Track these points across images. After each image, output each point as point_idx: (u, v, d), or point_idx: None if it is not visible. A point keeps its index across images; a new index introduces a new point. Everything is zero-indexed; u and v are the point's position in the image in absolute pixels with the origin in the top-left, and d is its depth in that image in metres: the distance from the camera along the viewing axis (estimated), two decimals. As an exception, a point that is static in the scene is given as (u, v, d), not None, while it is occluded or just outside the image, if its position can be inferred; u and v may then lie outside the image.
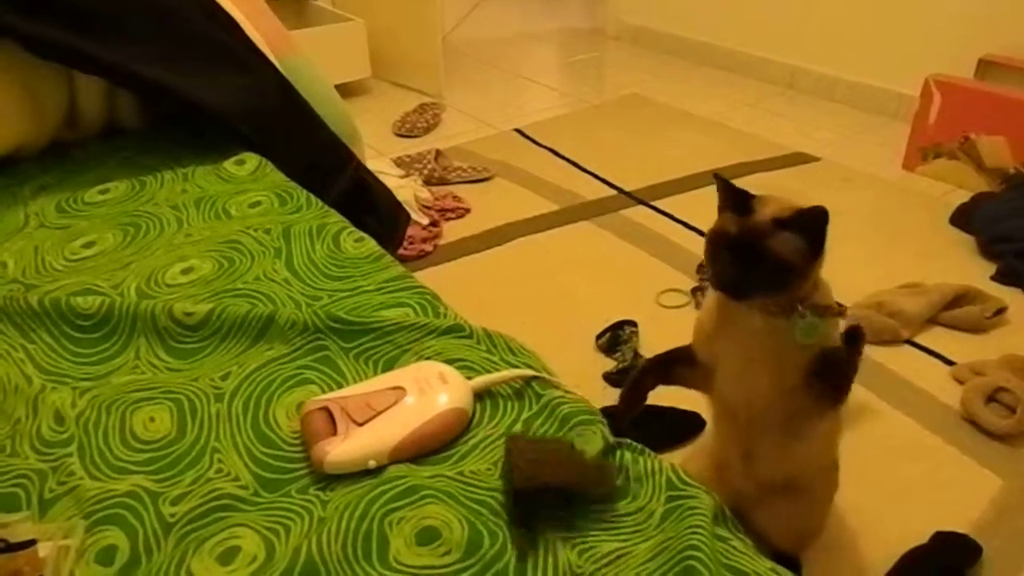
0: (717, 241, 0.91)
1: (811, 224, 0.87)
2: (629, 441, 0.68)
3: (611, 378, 1.57)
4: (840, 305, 0.96)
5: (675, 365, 1.08)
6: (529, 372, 0.74)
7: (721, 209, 0.93)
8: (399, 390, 0.70)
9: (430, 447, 0.68)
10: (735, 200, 0.91)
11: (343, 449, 0.66)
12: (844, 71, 2.92)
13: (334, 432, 0.67)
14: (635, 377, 1.08)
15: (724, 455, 1.11)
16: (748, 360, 0.96)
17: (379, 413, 0.68)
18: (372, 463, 0.66)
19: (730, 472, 1.08)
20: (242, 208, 1.07)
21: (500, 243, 2.05)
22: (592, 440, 0.68)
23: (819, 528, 1.17)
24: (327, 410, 0.69)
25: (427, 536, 0.60)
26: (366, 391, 0.71)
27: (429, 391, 0.70)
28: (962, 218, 2.08)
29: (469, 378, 0.73)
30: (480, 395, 0.73)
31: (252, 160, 1.19)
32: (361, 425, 0.67)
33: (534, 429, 0.70)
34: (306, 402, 0.72)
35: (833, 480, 1.15)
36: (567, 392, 0.73)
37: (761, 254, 0.86)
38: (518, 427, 0.71)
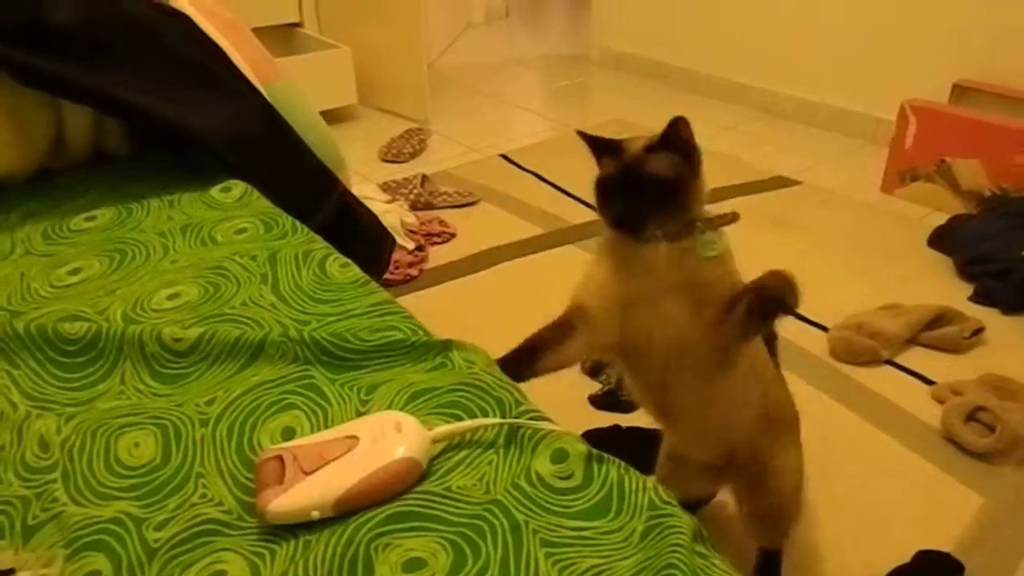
0: (602, 185, 0.95)
1: (677, 137, 0.91)
2: (613, 458, 0.69)
3: (596, 400, 1.58)
4: (733, 214, 0.97)
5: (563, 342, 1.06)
6: (495, 421, 0.73)
7: (597, 161, 0.98)
8: (353, 439, 0.68)
9: (377, 498, 0.65)
10: (605, 147, 0.96)
11: (285, 499, 0.64)
12: (823, 96, 2.98)
13: (283, 481, 0.65)
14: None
15: (668, 443, 1.12)
16: (662, 294, 0.94)
17: (328, 462, 0.66)
18: (315, 514, 0.64)
19: (678, 449, 1.08)
20: (228, 235, 1.08)
21: (486, 267, 2.07)
22: (575, 445, 0.69)
23: (796, 510, 1.14)
24: (280, 458, 0.67)
25: (412, 565, 0.60)
26: (321, 440, 0.69)
27: (382, 440, 0.68)
28: (940, 240, 2.12)
29: (432, 427, 0.71)
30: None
31: (238, 187, 1.20)
32: (308, 474, 0.65)
33: (510, 457, 0.70)
34: (264, 450, 0.71)
35: (795, 451, 1.12)
36: (545, 423, 0.72)
37: (644, 181, 0.90)
38: (496, 457, 0.70)
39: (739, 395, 1.04)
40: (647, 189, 0.90)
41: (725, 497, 1.35)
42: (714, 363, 0.97)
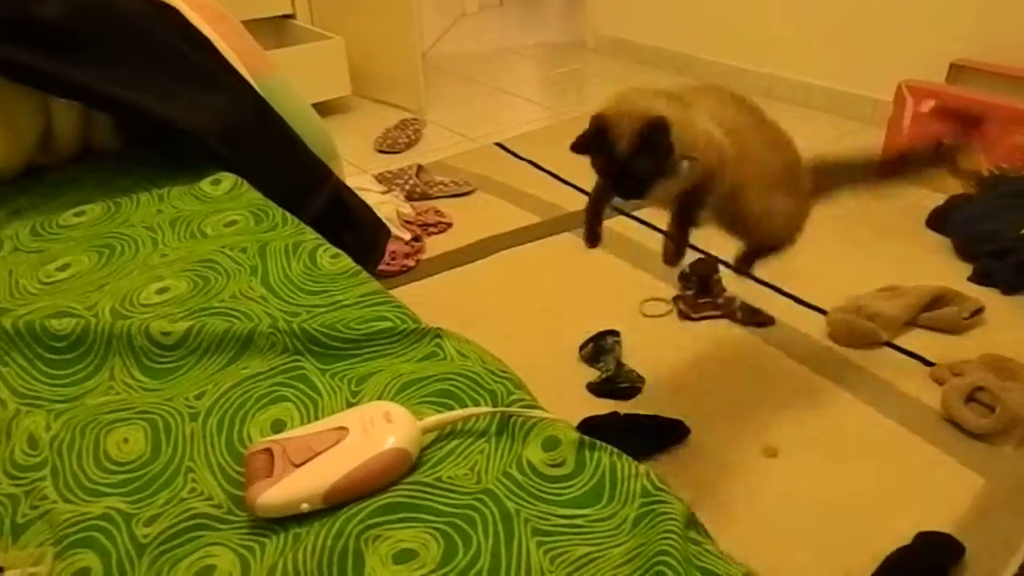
0: (603, 182, 1.24)
1: (653, 144, 1.12)
2: (606, 445, 0.68)
3: (595, 388, 1.57)
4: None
5: None
6: (486, 410, 0.72)
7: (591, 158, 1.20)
8: (342, 430, 0.67)
9: (367, 489, 0.64)
10: (594, 147, 1.17)
11: (274, 492, 0.63)
12: (819, 78, 2.96)
13: (272, 474, 0.64)
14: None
15: None
16: None
17: (317, 454, 0.65)
18: (305, 506, 0.63)
19: None
20: (218, 228, 1.07)
21: (482, 256, 2.06)
22: (567, 433, 0.68)
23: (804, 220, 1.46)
24: (269, 451, 0.66)
25: (403, 556, 0.60)
26: (310, 432, 0.68)
27: (372, 431, 0.67)
28: (938, 221, 2.11)
29: (422, 417, 0.71)
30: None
31: (228, 180, 1.19)
32: (298, 466, 0.64)
33: (502, 445, 0.70)
34: (253, 443, 0.70)
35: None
36: (536, 411, 0.72)
37: (633, 176, 1.15)
38: (487, 446, 0.70)
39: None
40: (640, 180, 1.16)
41: (722, 491, 1.35)
42: None
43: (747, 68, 3.17)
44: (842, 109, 2.90)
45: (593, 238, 1.35)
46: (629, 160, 1.12)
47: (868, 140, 2.65)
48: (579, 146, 1.17)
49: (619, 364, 1.62)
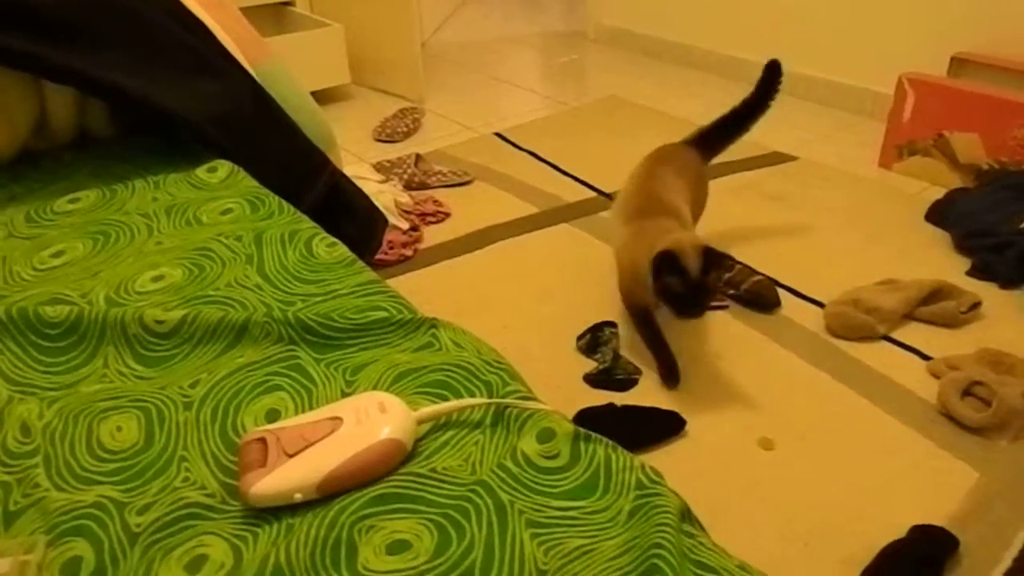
0: (674, 297, 1.43)
1: (718, 263, 1.42)
2: (601, 437, 0.68)
3: (591, 379, 1.57)
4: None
5: None
6: (481, 401, 0.72)
7: (657, 276, 1.43)
8: (336, 420, 0.67)
9: (361, 480, 0.64)
10: (669, 270, 1.41)
11: (267, 482, 0.63)
12: (820, 70, 2.94)
13: (265, 463, 0.64)
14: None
15: None
16: None
17: (311, 444, 0.65)
18: (298, 496, 0.63)
19: None
20: (213, 215, 1.06)
21: (481, 246, 2.05)
22: (562, 424, 0.68)
23: None
24: (263, 440, 0.66)
25: (397, 547, 0.59)
26: (304, 422, 0.68)
27: (366, 421, 0.67)
28: (937, 214, 2.10)
29: (417, 407, 0.70)
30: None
31: (224, 167, 1.18)
32: (291, 456, 0.64)
33: (496, 437, 0.69)
34: (247, 432, 0.70)
35: None
36: (532, 403, 0.72)
37: (706, 292, 1.43)
38: (482, 437, 0.70)
39: None
40: (708, 296, 1.43)
41: (717, 483, 1.35)
42: None
43: (747, 58, 3.16)
44: (842, 101, 2.89)
45: (676, 373, 1.55)
46: (703, 280, 1.39)
47: (868, 132, 2.64)
48: (660, 275, 1.41)
49: (616, 356, 1.61)
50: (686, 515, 0.61)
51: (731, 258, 1.42)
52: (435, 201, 2.27)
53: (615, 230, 1.68)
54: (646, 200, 1.65)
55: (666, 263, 1.39)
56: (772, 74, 1.88)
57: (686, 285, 1.39)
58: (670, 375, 1.55)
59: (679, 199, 1.67)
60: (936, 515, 1.24)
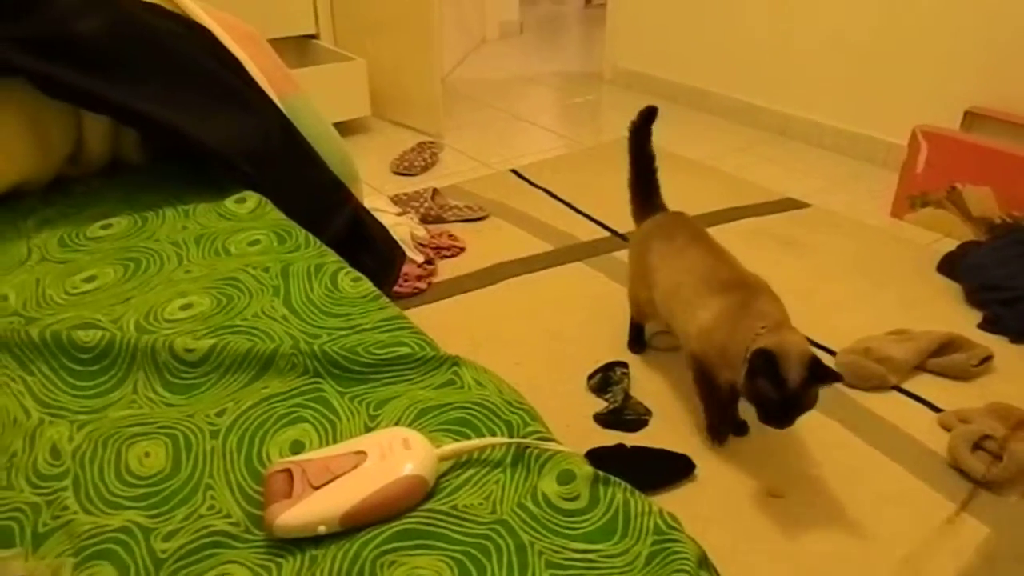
0: (768, 404, 1.27)
1: (821, 378, 1.26)
2: (620, 480, 0.69)
3: (601, 419, 1.58)
4: None
5: None
6: (502, 440, 0.73)
7: (752, 377, 1.28)
8: (361, 455, 0.68)
9: (384, 515, 0.66)
10: (765, 372, 1.25)
11: (293, 513, 0.64)
12: (834, 119, 2.98)
13: (290, 495, 0.66)
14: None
15: None
16: None
17: (336, 477, 0.66)
18: (322, 528, 0.64)
19: None
20: (241, 246, 1.09)
21: (494, 282, 2.08)
22: (582, 467, 0.69)
23: None
24: (289, 472, 0.68)
25: (418, 581, 0.61)
26: (329, 455, 0.70)
27: (390, 457, 0.68)
28: (949, 266, 2.11)
29: (439, 444, 0.72)
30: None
31: (252, 199, 1.21)
32: (317, 489, 0.65)
33: (517, 477, 0.71)
34: (273, 462, 0.72)
35: None
36: (552, 444, 0.73)
37: (801, 408, 1.27)
38: (503, 477, 0.71)
39: None
40: (802, 411, 1.28)
41: (725, 530, 1.35)
42: None
43: (762, 106, 3.21)
44: (855, 150, 2.92)
45: (722, 432, 1.50)
46: (800, 392, 1.24)
47: (880, 182, 2.67)
48: (755, 376, 1.26)
49: (627, 396, 1.62)
50: (703, 562, 0.62)
51: (839, 377, 1.26)
52: (450, 235, 2.30)
53: (688, 304, 1.49)
54: (736, 273, 1.49)
55: (763, 364, 1.24)
56: (641, 122, 1.79)
57: (779, 393, 1.24)
58: (712, 431, 1.51)
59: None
60: (945, 570, 1.24)
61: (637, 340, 1.81)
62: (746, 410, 1.50)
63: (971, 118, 2.44)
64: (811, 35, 2.96)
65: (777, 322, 1.35)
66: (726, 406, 1.50)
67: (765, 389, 1.25)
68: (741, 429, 1.54)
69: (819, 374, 1.24)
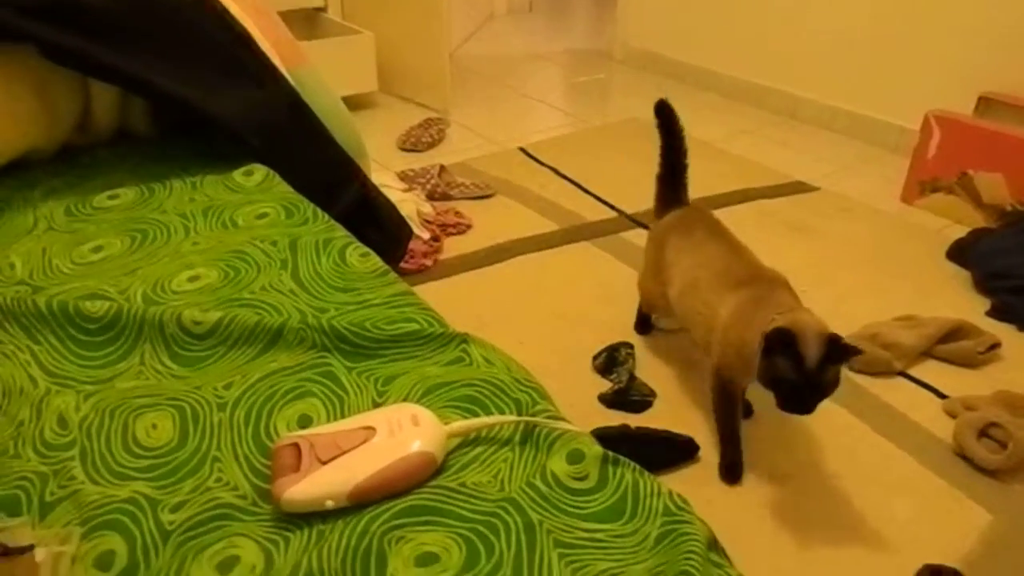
0: (785, 386, 1.20)
1: (843, 355, 1.19)
2: (629, 461, 0.69)
3: (606, 399, 1.58)
4: None
5: None
6: (511, 418, 0.73)
7: (767, 354, 1.22)
8: (369, 430, 0.68)
9: (392, 490, 0.66)
10: (781, 343, 1.18)
11: (301, 488, 0.64)
12: (845, 102, 2.95)
13: (298, 469, 0.65)
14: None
15: None
16: None
17: (344, 452, 0.66)
18: (330, 503, 0.64)
19: None
20: (249, 219, 1.08)
21: (500, 260, 2.07)
22: (591, 447, 0.69)
23: None
24: (297, 446, 0.67)
25: (426, 559, 0.60)
26: (338, 430, 0.69)
27: (399, 433, 0.68)
28: (958, 253, 2.10)
29: (447, 421, 0.72)
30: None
31: (260, 172, 1.20)
32: (325, 463, 0.65)
33: (526, 455, 0.70)
34: (281, 436, 0.71)
35: None
36: (561, 423, 0.73)
37: (821, 388, 1.20)
38: (511, 455, 0.71)
39: None
40: (822, 394, 1.20)
41: (729, 512, 1.35)
42: None
43: (773, 87, 3.17)
44: (866, 134, 2.89)
45: (737, 472, 1.41)
46: (819, 371, 1.17)
47: (891, 167, 2.64)
48: (770, 355, 1.20)
49: (631, 377, 1.62)
50: (713, 544, 0.61)
51: (860, 351, 1.20)
52: (457, 213, 2.29)
53: (704, 302, 1.43)
54: (753, 268, 1.44)
55: (779, 342, 1.18)
56: (665, 116, 1.63)
57: (798, 373, 1.17)
58: (729, 472, 1.40)
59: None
60: (948, 556, 1.24)
61: (644, 322, 1.79)
62: (754, 394, 1.50)
63: (985, 103, 2.41)
64: (823, 16, 2.92)
65: (792, 310, 1.30)
66: (737, 431, 1.43)
67: (783, 369, 1.18)
68: (747, 412, 1.53)
69: (839, 351, 1.18)
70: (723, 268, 1.45)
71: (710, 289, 1.43)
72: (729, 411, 1.41)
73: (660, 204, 1.70)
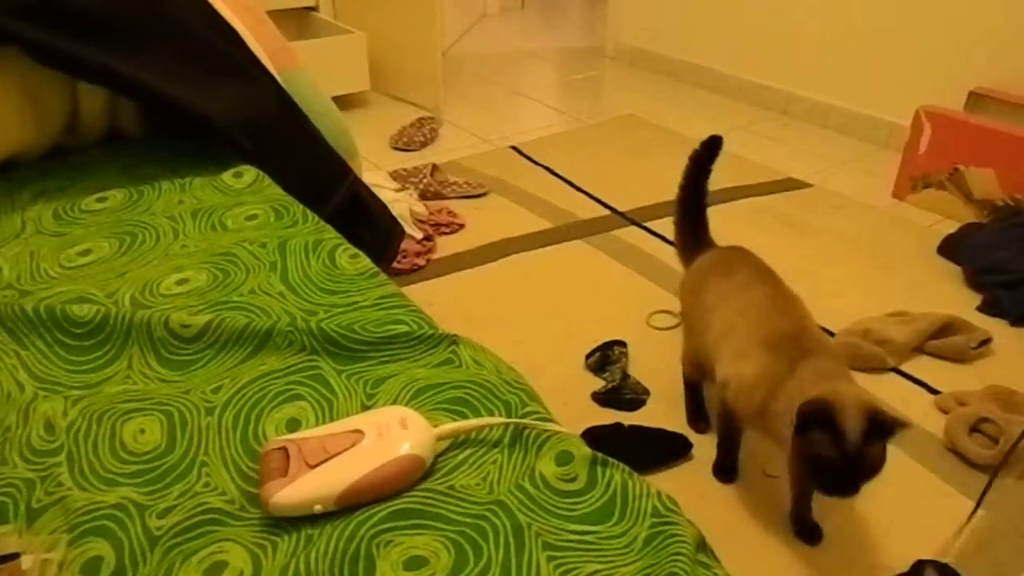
0: (824, 467, 1.06)
1: (887, 432, 1.07)
2: (618, 462, 0.69)
3: (599, 397, 1.58)
4: None
5: None
6: (500, 420, 0.72)
7: (801, 431, 1.08)
8: (358, 433, 0.68)
9: (381, 494, 0.65)
10: (816, 419, 1.06)
11: (289, 492, 0.64)
12: (837, 99, 2.96)
13: (286, 473, 0.65)
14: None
15: None
16: None
17: (332, 456, 0.66)
18: (318, 507, 0.64)
19: None
20: (238, 221, 1.07)
21: (493, 259, 2.07)
22: (580, 448, 0.69)
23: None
24: (285, 450, 0.67)
25: (414, 563, 0.60)
26: (326, 433, 0.69)
27: (387, 436, 0.68)
28: (950, 248, 2.11)
29: (436, 423, 0.71)
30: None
31: (250, 173, 1.20)
32: (313, 467, 0.65)
33: (515, 457, 0.70)
34: (269, 440, 0.71)
35: None
36: (551, 424, 0.72)
37: (865, 471, 1.06)
38: (500, 457, 0.71)
39: None
40: (867, 474, 1.06)
41: (721, 509, 1.35)
42: None
43: (765, 84, 3.17)
44: (858, 131, 2.90)
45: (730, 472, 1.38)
46: (862, 449, 1.04)
47: (883, 163, 2.65)
48: (806, 431, 1.07)
49: (624, 375, 1.62)
50: (701, 545, 0.61)
51: (908, 424, 1.07)
52: (450, 212, 2.29)
53: (732, 351, 1.28)
54: (794, 324, 1.26)
55: (816, 417, 1.05)
56: (711, 151, 1.52)
57: (839, 450, 1.04)
58: (723, 472, 1.39)
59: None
60: (940, 551, 1.24)
61: (699, 414, 1.52)
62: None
63: (975, 99, 2.42)
64: (815, 13, 2.92)
65: (831, 377, 1.15)
66: (737, 442, 1.39)
67: (820, 446, 1.04)
68: None
69: (884, 426, 1.05)
70: (760, 318, 1.28)
71: (744, 338, 1.27)
72: (732, 432, 1.39)
73: (686, 247, 1.57)
